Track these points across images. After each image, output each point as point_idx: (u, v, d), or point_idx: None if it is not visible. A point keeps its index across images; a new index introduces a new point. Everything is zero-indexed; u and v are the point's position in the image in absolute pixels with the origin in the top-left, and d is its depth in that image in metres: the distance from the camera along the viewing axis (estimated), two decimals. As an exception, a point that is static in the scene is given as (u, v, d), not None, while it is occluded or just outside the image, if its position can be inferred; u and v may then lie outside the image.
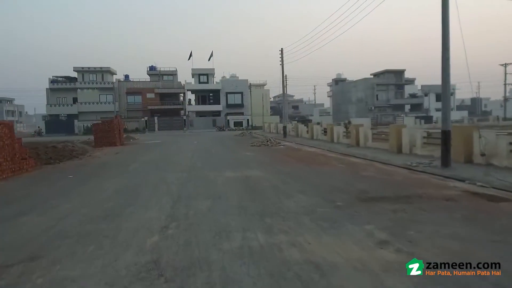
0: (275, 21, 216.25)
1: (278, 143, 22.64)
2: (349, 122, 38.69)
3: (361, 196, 7.14)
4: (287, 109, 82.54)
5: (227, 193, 7.78)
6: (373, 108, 60.08)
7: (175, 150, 21.33)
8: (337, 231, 5.05)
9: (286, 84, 32.04)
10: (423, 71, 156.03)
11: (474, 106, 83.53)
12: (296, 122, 40.79)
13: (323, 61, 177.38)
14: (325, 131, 24.12)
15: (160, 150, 21.20)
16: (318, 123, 30.94)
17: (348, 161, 13.28)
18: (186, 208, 6.52)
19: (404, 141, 14.30)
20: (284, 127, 30.53)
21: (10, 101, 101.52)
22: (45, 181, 10.48)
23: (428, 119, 50.06)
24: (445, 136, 10.46)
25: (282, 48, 29.45)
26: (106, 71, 59.75)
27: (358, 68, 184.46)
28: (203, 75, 60.54)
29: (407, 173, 10.22)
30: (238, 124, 58.35)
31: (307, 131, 27.61)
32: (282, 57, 29.60)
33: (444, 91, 10.53)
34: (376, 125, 40.82)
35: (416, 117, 48.71)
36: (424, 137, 13.68)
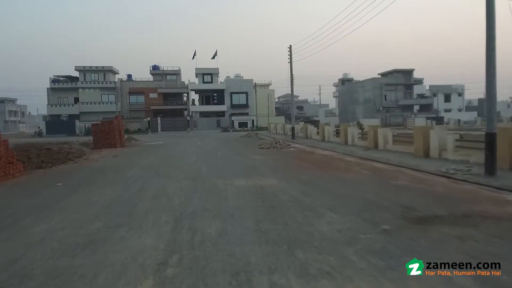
0: (279, 21, 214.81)
1: (288, 145, 21.24)
2: (359, 123, 37.32)
3: (408, 215, 5.73)
4: (294, 110, 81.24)
5: (241, 209, 6.39)
6: (381, 108, 58.49)
7: (178, 152, 19.98)
8: (399, 273, 3.65)
9: (292, 85, 30.59)
10: (429, 72, 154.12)
11: (482, 107, 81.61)
12: (303, 122, 39.37)
13: (327, 61, 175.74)
14: (337, 133, 22.70)
15: (162, 153, 19.87)
16: (326, 124, 29.52)
17: (371, 166, 11.86)
18: (190, 232, 5.15)
19: (432, 144, 12.86)
20: (293, 128, 29.08)
21: (12, 101, 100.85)
22: (29, 190, 9.14)
23: (439, 120, 48.48)
24: (490, 139, 9.03)
25: (290, 45, 28.06)
26: (108, 71, 58.56)
27: (363, 69, 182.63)
28: (207, 74, 59.22)
29: (447, 182, 8.79)
30: (242, 124, 56.99)
31: (317, 132, 26.18)
32: (290, 54, 28.18)
33: (489, 88, 9.10)
34: (386, 126, 39.29)
35: (427, 118, 47.13)
36: (456, 140, 12.23)
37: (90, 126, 32.81)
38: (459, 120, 47.19)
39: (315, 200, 6.97)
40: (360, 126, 20.99)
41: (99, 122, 26.24)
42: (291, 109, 31.38)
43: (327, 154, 16.53)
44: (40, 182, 10.36)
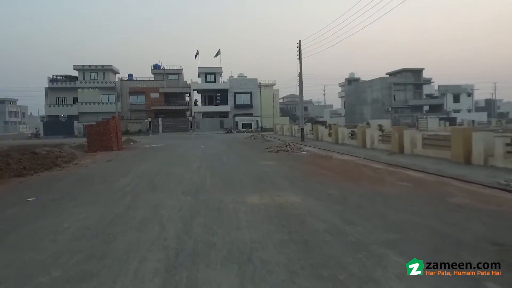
0: (282, 21, 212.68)
1: (299, 148, 19.35)
2: (368, 124, 35.39)
3: (514, 262, 3.85)
4: (297, 110, 79.34)
5: (261, 247, 4.50)
6: (390, 109, 56.50)
7: (179, 157, 18.15)
8: None
9: (301, 83, 28.72)
10: (434, 72, 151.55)
11: (489, 108, 79.67)
12: (311, 123, 37.44)
13: (330, 61, 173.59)
14: (352, 135, 20.81)
15: (161, 157, 18.03)
16: (334, 125, 27.61)
17: (407, 176, 9.95)
18: (189, 296, 3.28)
19: (476, 149, 10.95)
20: (302, 130, 27.16)
21: (13, 101, 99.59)
22: (-11, 209, 7.30)
23: (452, 121, 46.52)
24: None
25: (300, 41, 26.20)
26: (108, 70, 56.82)
27: (368, 69, 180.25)
28: (210, 74, 57.42)
29: (518, 200, 6.89)
30: (246, 125, 55.15)
31: (329, 134, 24.29)
32: (300, 51, 26.28)
33: None
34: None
35: (440, 119, 45.13)
36: (507, 144, 10.31)
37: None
38: (473, 121, 45.10)
39: (362, 230, 5.08)
40: (380, 128, 19.09)
41: (94, 123, 24.44)
42: (299, 109, 29.49)
43: (346, 159, 14.63)
44: (9, 196, 8.53)
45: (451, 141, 12.09)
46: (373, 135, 17.77)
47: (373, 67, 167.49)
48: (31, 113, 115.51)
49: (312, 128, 28.90)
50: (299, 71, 26.78)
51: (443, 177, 9.46)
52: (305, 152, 18.02)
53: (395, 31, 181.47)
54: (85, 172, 12.80)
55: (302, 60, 26.81)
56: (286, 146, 19.52)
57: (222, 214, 6.13)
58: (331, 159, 14.86)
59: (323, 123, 39.79)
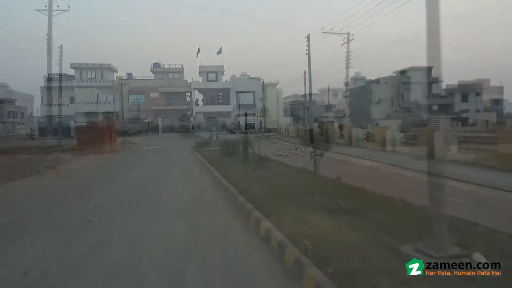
0: (283, 19, 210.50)
1: (311, 151, 17.40)
2: (377, 124, 33.54)
3: None
4: (300, 111, 77.16)
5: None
6: (398, 109, 54.51)
7: (177, 160, 16.30)
8: None
9: (310, 80, 26.89)
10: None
11: (496, 108, 77.54)
12: (317, 124, 35.53)
13: (332, 61, 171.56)
14: (368, 136, 18.94)
15: (156, 161, 16.20)
16: (346, 125, 25.86)
17: (455, 189, 8.01)
18: None
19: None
20: (311, 130, 25.26)
21: (11, 102, 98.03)
22: None
23: (464, 121, 44.56)
24: None
25: (308, 34, 24.41)
26: (106, 68, 55.06)
27: (371, 69, 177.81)
28: (211, 72, 55.53)
29: None
30: (249, 126, 53.20)
31: (341, 135, 22.42)
32: (308, 45, 24.44)
33: None
34: (409, 128, 35.35)
35: (452, 119, 43.12)
36: None
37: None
38: (487, 121, 43.08)
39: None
40: (402, 129, 17.22)
41: (85, 123, 22.66)
42: (308, 107, 27.63)
43: (370, 165, 12.74)
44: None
45: (497, 145, 10.19)
46: (395, 137, 15.89)
47: (376, 67, 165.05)
48: (31, 114, 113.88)
49: (321, 129, 27.02)
50: (307, 68, 24.98)
51: (503, 191, 7.57)
52: (318, 156, 16.10)
53: (398, 30, 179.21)
54: (65, 182, 10.92)
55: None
56: (296, 149, 17.66)
57: (229, 255, 4.24)
58: (350, 164, 12.98)
59: (331, 124, 37.96)
